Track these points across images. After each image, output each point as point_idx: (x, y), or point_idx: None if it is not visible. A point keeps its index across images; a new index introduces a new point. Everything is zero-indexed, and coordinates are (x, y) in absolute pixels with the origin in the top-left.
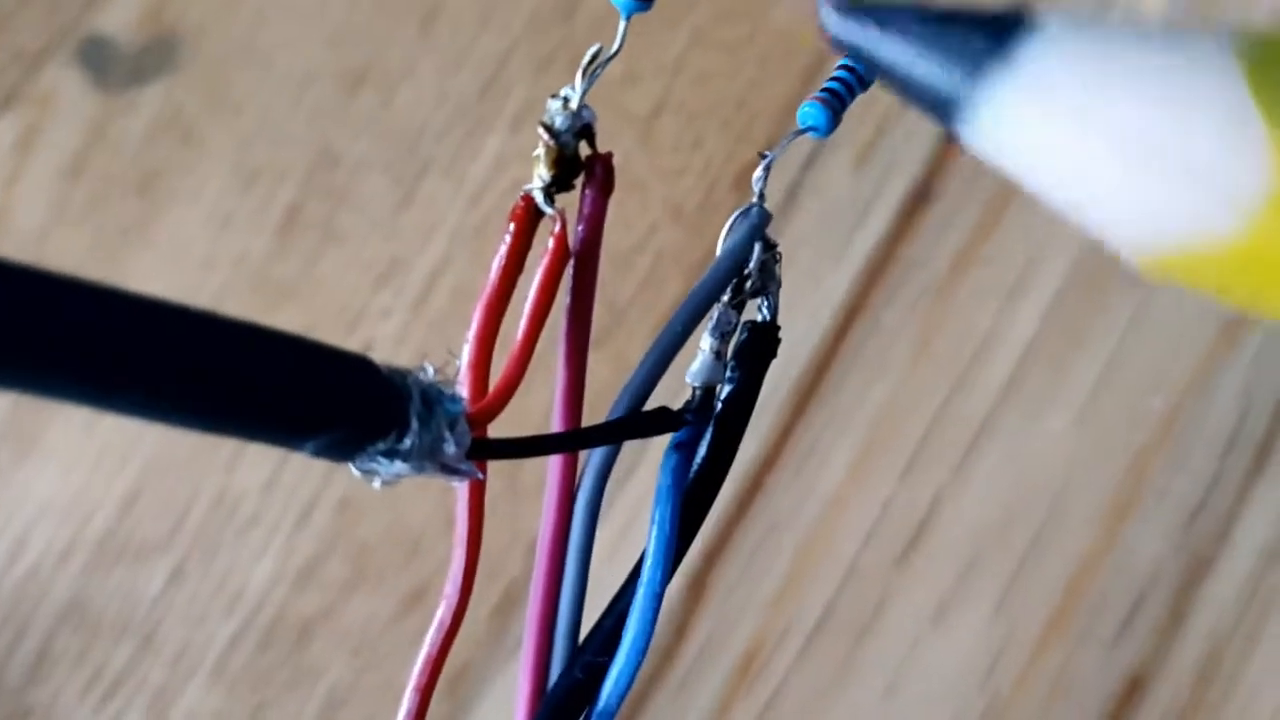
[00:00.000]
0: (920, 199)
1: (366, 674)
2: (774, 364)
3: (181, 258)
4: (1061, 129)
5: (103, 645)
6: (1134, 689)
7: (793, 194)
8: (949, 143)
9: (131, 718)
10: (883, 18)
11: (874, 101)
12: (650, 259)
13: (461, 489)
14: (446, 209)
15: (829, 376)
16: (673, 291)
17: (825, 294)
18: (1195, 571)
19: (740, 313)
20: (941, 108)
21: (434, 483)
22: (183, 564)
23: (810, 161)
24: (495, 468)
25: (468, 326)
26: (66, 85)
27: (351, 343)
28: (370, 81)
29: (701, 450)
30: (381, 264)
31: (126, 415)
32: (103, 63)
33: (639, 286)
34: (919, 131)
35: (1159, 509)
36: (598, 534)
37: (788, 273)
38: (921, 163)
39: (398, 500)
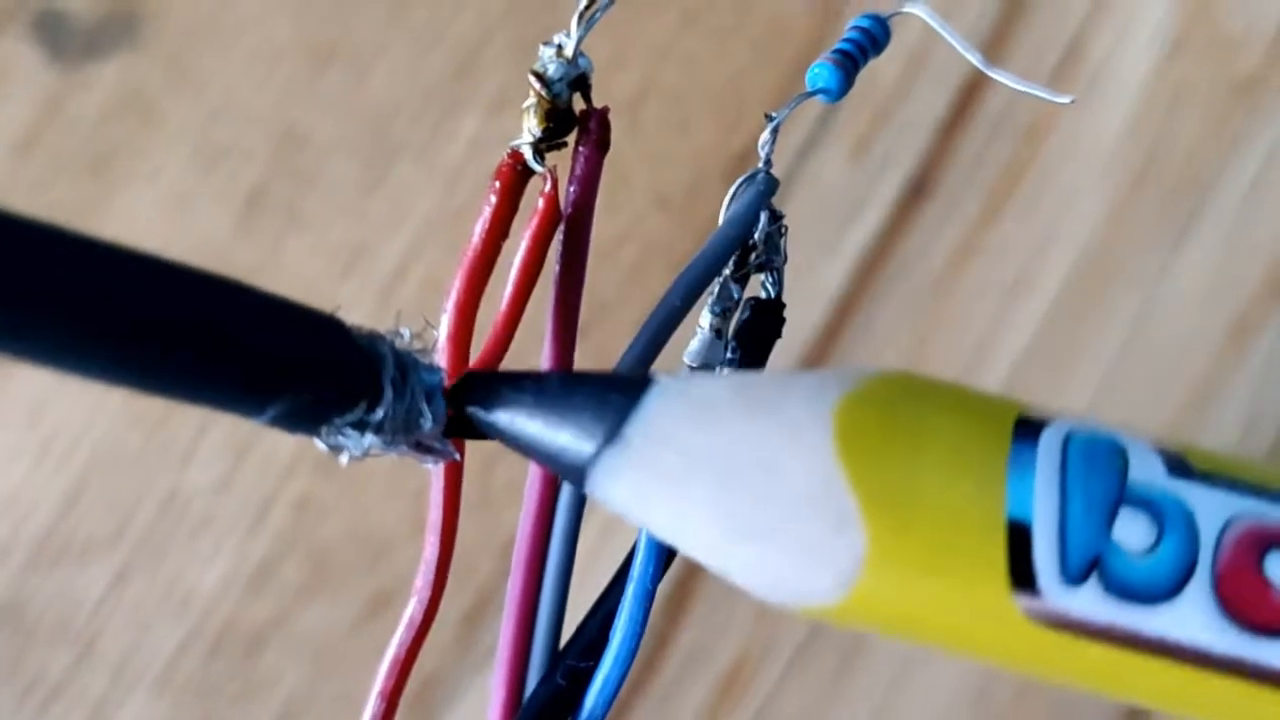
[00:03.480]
0: (917, 192)
1: (324, 685)
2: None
3: (136, 241)
4: (673, 504)
5: (40, 652)
6: (1138, 711)
7: (786, 187)
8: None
9: None
10: (506, 396)
11: (870, 91)
12: (635, 249)
13: (436, 472)
14: (418, 194)
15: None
16: (658, 284)
17: (818, 289)
18: None
19: (743, 288)
20: (568, 478)
21: (401, 481)
22: (128, 566)
23: (804, 152)
24: (467, 463)
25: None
26: (21, 59)
27: None
28: (340, 60)
29: None
30: (348, 250)
31: (65, 368)
32: (59, 37)
33: (623, 278)
34: (917, 123)
35: None
36: (581, 534)
37: None
38: (919, 155)
39: (361, 500)
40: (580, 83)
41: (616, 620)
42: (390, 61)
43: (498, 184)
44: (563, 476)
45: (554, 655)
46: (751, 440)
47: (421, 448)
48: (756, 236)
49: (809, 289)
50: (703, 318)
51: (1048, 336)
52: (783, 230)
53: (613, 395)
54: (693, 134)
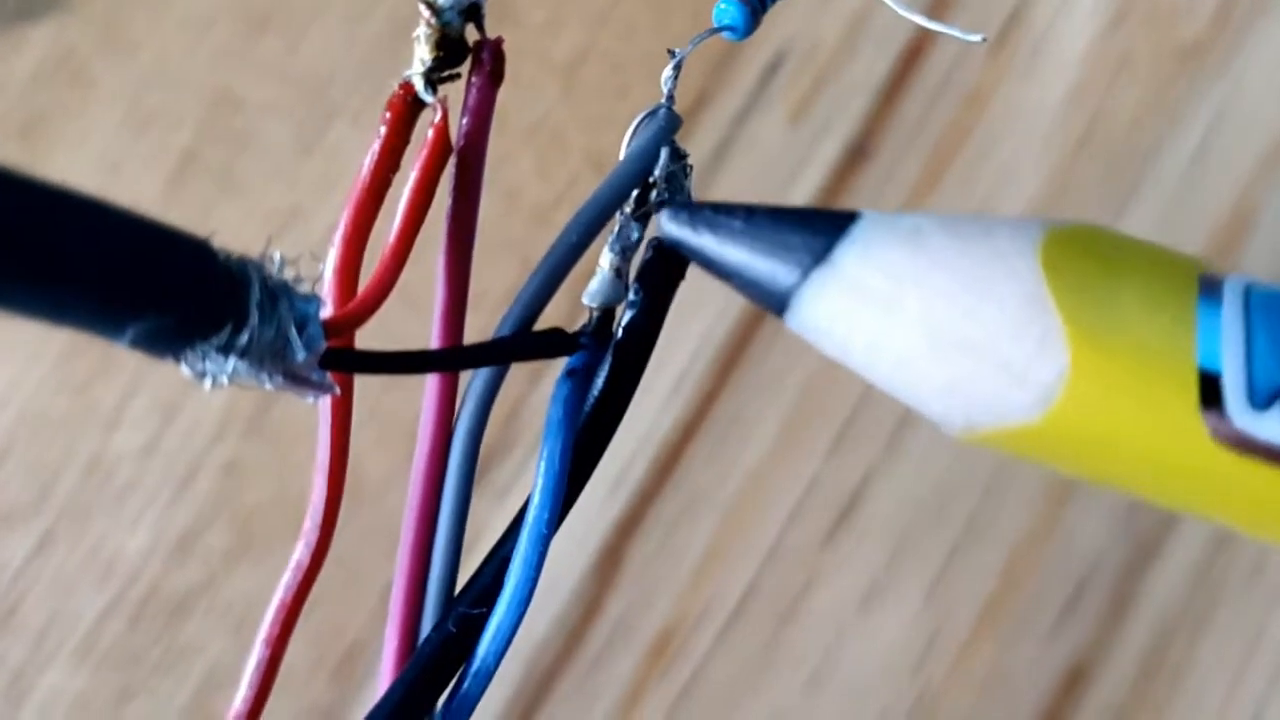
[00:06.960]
0: (857, 156)
1: (248, 652)
2: (697, 327)
3: None
4: (878, 322)
5: None
6: (1074, 681)
7: (724, 149)
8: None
9: None
10: (715, 221)
11: (812, 54)
12: (569, 213)
13: (324, 409)
14: (353, 157)
15: (756, 341)
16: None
17: None
18: (1139, 558)
19: (644, 226)
20: (769, 302)
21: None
22: (51, 532)
23: (743, 116)
24: (400, 431)
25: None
26: None
27: None
28: (275, 23)
29: (599, 381)
30: (282, 215)
31: None
32: None
33: None
34: (857, 87)
35: (1102, 491)
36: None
37: None
38: (859, 119)
39: (289, 465)
40: (473, 12)
41: (510, 567)
42: (326, 25)
43: (388, 114)
44: (763, 303)
45: (448, 602)
46: (961, 264)
47: (296, 379)
48: (657, 174)
49: None
50: (602, 257)
51: None
52: (687, 170)
53: (820, 223)
54: (631, 98)
